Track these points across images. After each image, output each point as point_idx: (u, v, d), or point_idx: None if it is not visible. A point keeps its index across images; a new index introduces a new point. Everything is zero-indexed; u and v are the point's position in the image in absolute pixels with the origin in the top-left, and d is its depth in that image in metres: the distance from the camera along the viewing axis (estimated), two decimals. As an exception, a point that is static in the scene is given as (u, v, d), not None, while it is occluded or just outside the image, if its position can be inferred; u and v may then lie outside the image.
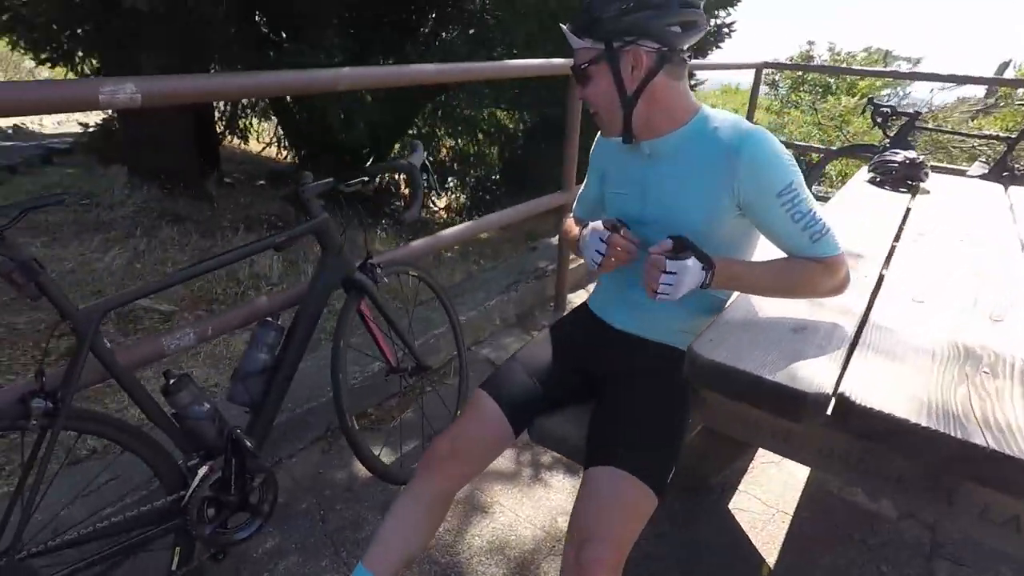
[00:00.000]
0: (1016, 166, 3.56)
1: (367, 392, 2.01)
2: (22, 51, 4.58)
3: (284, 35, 4.92)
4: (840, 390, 0.90)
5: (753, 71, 4.48)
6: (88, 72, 4.76)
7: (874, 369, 0.98)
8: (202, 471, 1.27)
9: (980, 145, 5.25)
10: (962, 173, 3.80)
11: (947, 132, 5.22)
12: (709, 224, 1.15)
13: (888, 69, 8.46)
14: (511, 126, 6.37)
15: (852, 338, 1.08)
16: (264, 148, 7.00)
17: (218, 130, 6.32)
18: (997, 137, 3.86)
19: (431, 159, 6.09)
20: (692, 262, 1.07)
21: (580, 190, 1.45)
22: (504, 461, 1.88)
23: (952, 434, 0.81)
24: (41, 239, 3.51)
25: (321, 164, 5.45)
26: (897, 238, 1.71)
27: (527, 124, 6.20)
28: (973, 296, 1.30)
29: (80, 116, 6.30)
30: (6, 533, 1.07)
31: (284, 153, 6.86)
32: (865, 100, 4.01)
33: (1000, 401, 0.89)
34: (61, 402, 1.08)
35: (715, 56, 6.05)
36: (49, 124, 8.22)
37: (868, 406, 0.87)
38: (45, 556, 1.13)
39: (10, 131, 7.61)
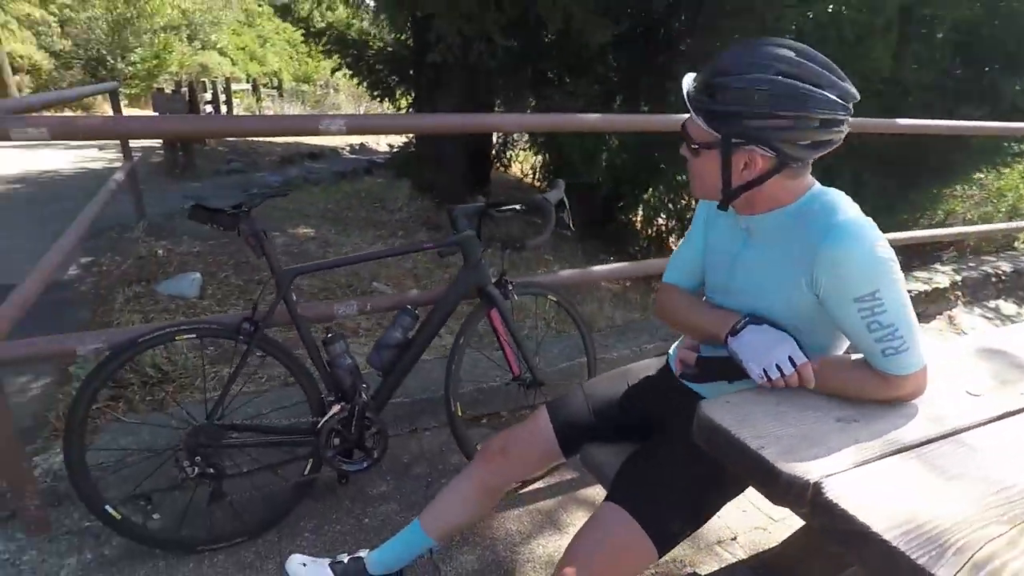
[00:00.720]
0: None
1: (491, 395, 2.25)
2: (364, 88, 6.10)
3: (556, 77, 5.57)
4: (819, 480, 0.84)
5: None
6: (403, 106, 6.11)
7: (896, 477, 0.86)
8: (335, 408, 1.68)
9: None
10: None
11: None
12: (789, 310, 1.10)
13: None
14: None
15: (904, 445, 0.94)
16: (525, 177, 7.91)
17: (494, 158, 7.40)
18: None
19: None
20: (760, 332, 1.07)
21: (678, 249, 1.36)
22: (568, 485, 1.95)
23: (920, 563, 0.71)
24: (335, 228, 4.65)
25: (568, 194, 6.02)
26: None
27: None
28: None
29: (393, 139, 8.00)
30: (215, 408, 1.61)
31: (542, 183, 7.69)
32: None
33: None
34: (258, 329, 1.59)
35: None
36: (384, 143, 10.42)
37: (836, 501, 0.79)
38: (231, 429, 1.65)
39: (357, 147, 10.03)
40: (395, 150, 7.06)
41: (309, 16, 5.12)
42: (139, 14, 11.72)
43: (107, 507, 1.54)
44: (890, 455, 0.91)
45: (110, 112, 4.46)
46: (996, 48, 3.94)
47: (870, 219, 1.02)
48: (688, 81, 1.07)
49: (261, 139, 8.45)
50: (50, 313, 2.91)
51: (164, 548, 1.62)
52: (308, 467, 1.73)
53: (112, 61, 11.86)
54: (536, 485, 1.96)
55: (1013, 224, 3.76)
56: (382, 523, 1.77)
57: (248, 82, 13.29)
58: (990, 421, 1.02)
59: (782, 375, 1.04)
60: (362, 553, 1.49)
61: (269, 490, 1.73)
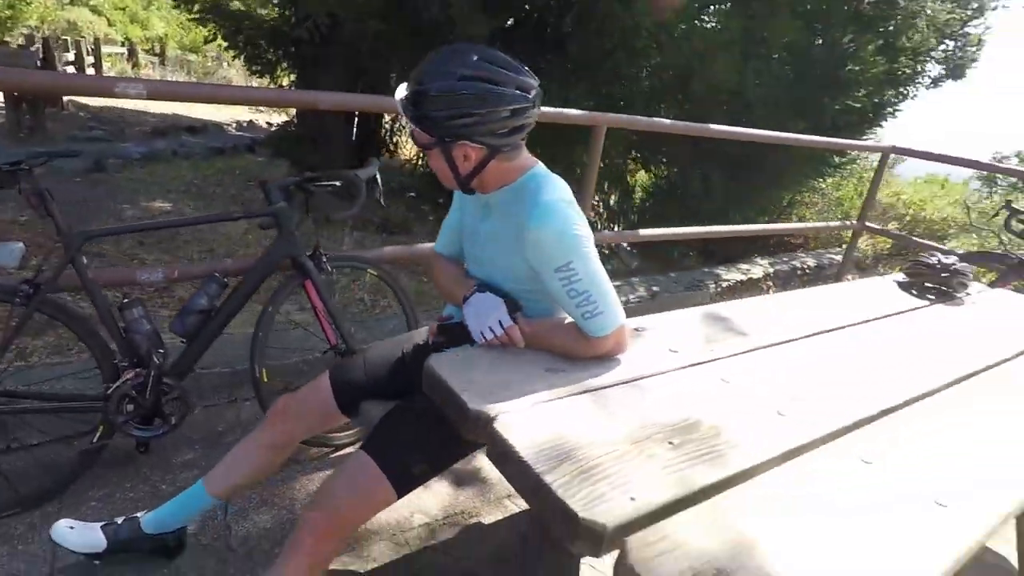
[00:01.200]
0: None
1: (312, 365, 2.27)
2: (242, 62, 5.82)
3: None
4: (495, 415, 0.98)
5: (880, 155, 4.10)
6: (284, 84, 5.91)
7: (565, 413, 1.02)
8: (128, 374, 1.66)
9: None
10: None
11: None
12: (515, 279, 1.25)
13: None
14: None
15: (588, 388, 1.11)
16: (411, 160, 7.88)
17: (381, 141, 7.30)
18: None
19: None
20: (482, 298, 1.21)
21: (444, 221, 1.49)
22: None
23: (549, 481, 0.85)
24: (197, 203, 4.46)
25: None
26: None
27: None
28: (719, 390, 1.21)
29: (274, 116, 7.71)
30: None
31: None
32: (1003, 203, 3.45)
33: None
34: (38, 291, 1.54)
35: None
36: (277, 120, 9.96)
37: (499, 430, 0.93)
38: (4, 396, 1.59)
39: (245, 124, 9.56)
40: (274, 128, 6.81)
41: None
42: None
43: None
44: (571, 396, 1.07)
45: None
46: (818, 69, 4.46)
47: (571, 201, 1.19)
48: (399, 93, 1.16)
49: (133, 107, 7.85)
50: None
51: (-77, 521, 1.54)
52: (98, 434, 1.69)
53: (-46, 8, 10.45)
54: (348, 451, 2.04)
55: (795, 225, 4.23)
56: (180, 489, 1.77)
57: (124, 46, 12.20)
58: (671, 370, 1.22)
59: (496, 336, 1.19)
60: (139, 514, 1.50)
61: (51, 459, 1.68)
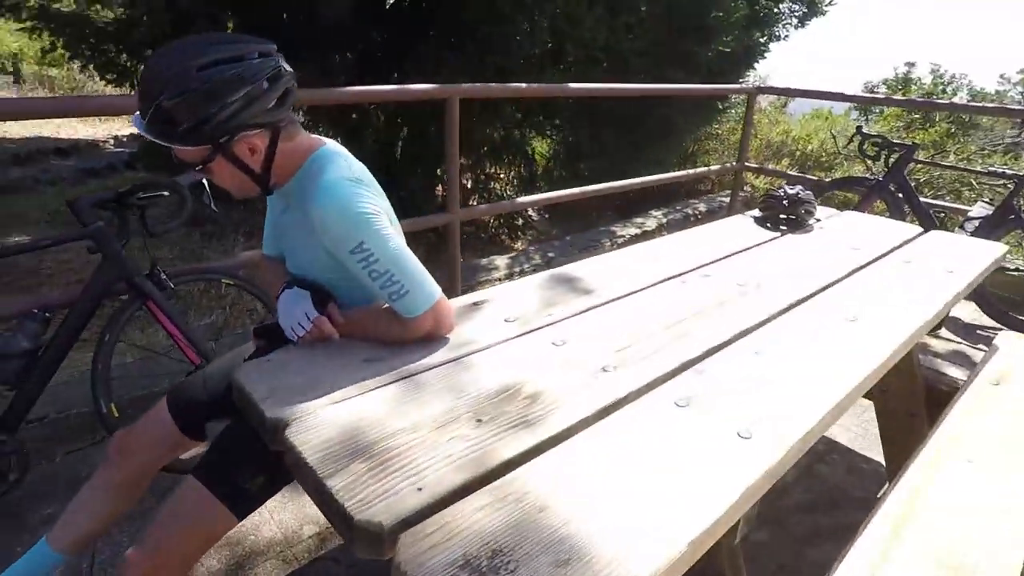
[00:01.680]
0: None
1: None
2: (93, 73, 5.34)
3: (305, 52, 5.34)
4: (289, 421, 0.93)
5: (746, 96, 4.24)
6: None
7: (371, 404, 0.98)
8: (-55, 436, 1.51)
9: (989, 183, 4.55)
10: (963, 214, 3.37)
11: (945, 167, 4.54)
12: (321, 268, 1.19)
13: (906, 98, 7.52)
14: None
15: (407, 373, 1.08)
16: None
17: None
18: (1003, 174, 3.36)
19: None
20: (288, 294, 1.15)
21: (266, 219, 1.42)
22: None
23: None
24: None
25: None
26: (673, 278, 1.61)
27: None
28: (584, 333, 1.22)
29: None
30: None
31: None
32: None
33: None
34: None
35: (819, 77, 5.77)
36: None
37: (289, 437, 0.89)
38: None
39: (125, 139, 8.86)
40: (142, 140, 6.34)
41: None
42: None
43: None
44: (382, 386, 1.03)
45: None
46: (690, 19, 4.55)
47: (353, 176, 1.13)
48: (138, 123, 1.04)
49: (-14, 135, 7.09)
50: None
51: None
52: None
53: None
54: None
55: (678, 173, 4.37)
56: (35, 548, 1.63)
57: (-34, 67, 10.97)
58: (501, 342, 1.21)
59: (306, 331, 1.13)
60: (-22, 587, 1.37)
61: None
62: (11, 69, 12.16)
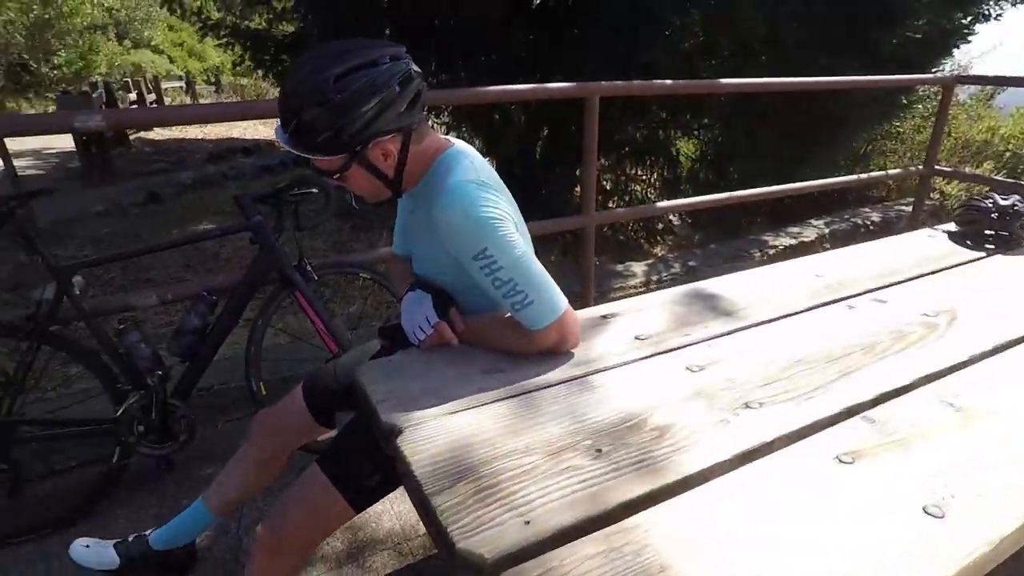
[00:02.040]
0: None
1: None
2: (274, 81, 6.00)
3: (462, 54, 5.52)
4: (402, 428, 0.91)
5: (940, 88, 3.63)
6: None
7: (479, 422, 0.93)
8: (132, 398, 1.73)
9: None
10: None
11: None
12: (443, 272, 1.17)
13: None
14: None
15: (524, 389, 1.01)
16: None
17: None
18: None
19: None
20: (410, 296, 1.14)
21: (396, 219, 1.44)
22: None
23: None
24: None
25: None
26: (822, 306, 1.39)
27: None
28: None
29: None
30: (3, 407, 1.65)
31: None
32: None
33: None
34: (38, 326, 1.62)
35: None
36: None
37: (400, 445, 0.86)
38: (23, 424, 1.69)
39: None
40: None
41: (202, 8, 5.03)
42: (58, 15, 11.37)
43: (-103, 509, 1.58)
44: (498, 400, 0.98)
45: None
46: (870, 3, 4.01)
47: (479, 179, 1.08)
48: (280, 135, 1.06)
49: (191, 136, 8.33)
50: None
51: (-31, 544, 1.67)
52: (116, 455, 1.77)
53: (35, 66, 11.54)
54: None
55: (847, 178, 3.78)
56: (197, 504, 1.83)
57: (181, 79, 13.04)
58: (630, 362, 1.10)
59: (426, 335, 1.12)
60: (148, 532, 1.55)
61: (80, 480, 1.78)
62: (213, 80, 14.33)
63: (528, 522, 0.73)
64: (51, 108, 11.28)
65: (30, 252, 1.62)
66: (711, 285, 1.46)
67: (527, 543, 0.70)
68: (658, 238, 4.77)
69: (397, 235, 1.40)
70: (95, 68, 12.39)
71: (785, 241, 3.47)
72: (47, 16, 11.38)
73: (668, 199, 5.34)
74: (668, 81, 2.43)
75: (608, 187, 5.26)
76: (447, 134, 1.43)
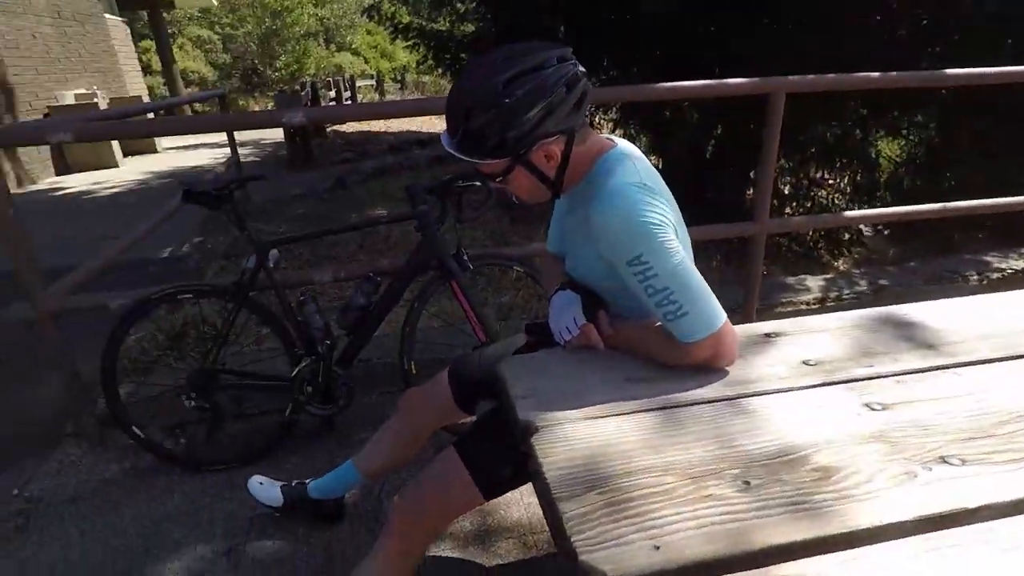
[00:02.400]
0: None
1: None
2: (451, 79, 6.37)
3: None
4: (538, 426, 0.89)
5: None
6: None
7: (619, 432, 0.88)
8: (305, 362, 1.94)
9: None
10: None
11: None
12: (595, 274, 1.14)
13: None
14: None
15: (667, 404, 0.94)
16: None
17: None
18: None
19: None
20: (560, 296, 1.14)
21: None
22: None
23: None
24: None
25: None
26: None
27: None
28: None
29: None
30: (210, 356, 1.95)
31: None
32: None
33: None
34: (240, 291, 1.89)
35: None
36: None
37: (534, 443, 0.85)
38: (223, 373, 1.98)
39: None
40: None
41: (395, 13, 5.49)
42: (283, 25, 13.31)
43: (134, 428, 1.95)
44: (642, 411, 0.93)
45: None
46: None
47: (641, 182, 1.02)
48: (447, 142, 1.08)
49: (376, 130, 9.19)
50: (161, 280, 3.57)
51: (179, 464, 2.01)
52: (289, 410, 2.01)
53: (262, 69, 13.65)
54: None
55: None
56: (349, 464, 2.01)
57: (373, 78, 14.50)
58: (795, 389, 0.98)
59: (572, 336, 1.09)
60: (308, 481, 1.74)
61: (263, 427, 2.05)
62: (399, 78, 15.81)
63: (658, 547, 0.67)
64: (270, 105, 13.33)
65: (240, 228, 1.89)
66: (909, 311, 1.25)
67: (654, 569, 0.65)
68: (843, 250, 4.22)
69: (551, 232, 1.39)
70: (306, 70, 14.29)
71: (1017, 264, 2.87)
72: (275, 27, 13.36)
73: (859, 208, 4.74)
74: (873, 74, 2.11)
75: (786, 191, 4.78)
76: (613, 131, 1.38)
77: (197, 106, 10.77)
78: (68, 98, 7.67)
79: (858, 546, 0.71)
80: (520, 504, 1.83)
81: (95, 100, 7.51)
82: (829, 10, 3.49)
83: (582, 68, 1.05)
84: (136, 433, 1.95)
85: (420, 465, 1.92)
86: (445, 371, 1.52)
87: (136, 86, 10.05)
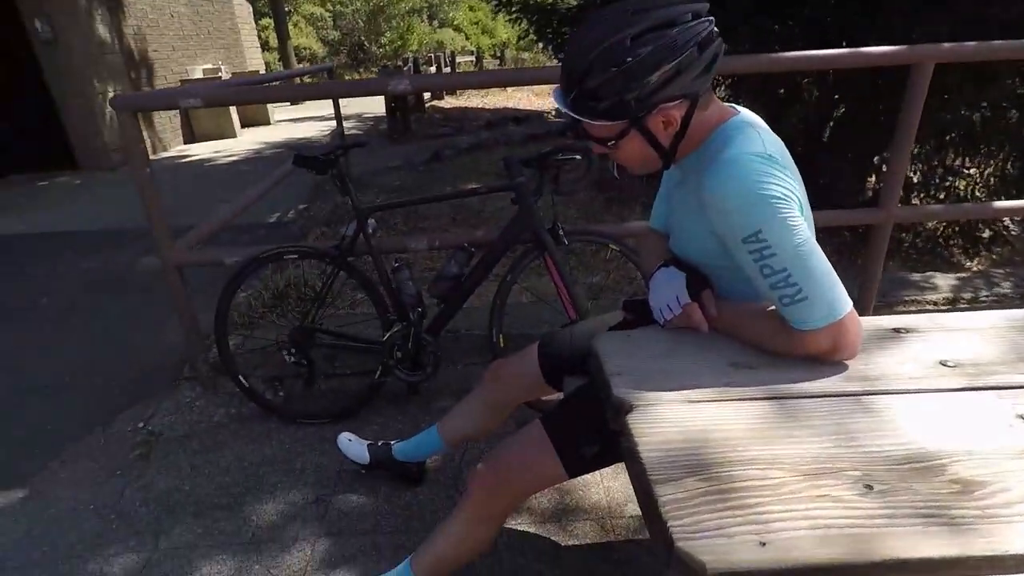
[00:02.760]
0: None
1: None
2: (552, 55, 6.29)
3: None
4: (635, 404, 0.84)
5: None
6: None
7: (728, 416, 0.82)
8: (396, 327, 1.99)
9: None
10: None
11: None
12: (704, 252, 1.05)
13: None
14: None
15: (775, 393, 0.87)
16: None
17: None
18: None
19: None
20: (663, 273, 1.08)
21: (659, 191, 1.33)
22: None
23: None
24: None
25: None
26: None
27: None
28: None
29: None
30: (309, 315, 2.05)
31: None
32: None
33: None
34: (341, 255, 1.96)
35: None
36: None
37: (630, 422, 0.81)
38: (320, 332, 2.08)
39: (549, 115, 10.34)
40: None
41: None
42: (389, 2, 13.72)
43: (240, 377, 2.09)
44: (748, 400, 0.86)
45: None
46: None
47: (765, 152, 0.92)
48: (558, 98, 1.00)
49: (473, 106, 9.27)
50: (267, 242, 3.81)
51: (277, 415, 2.14)
52: (378, 372, 2.08)
53: (368, 45, 14.15)
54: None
55: None
56: (432, 429, 2.05)
57: (473, 54, 14.64)
58: (930, 391, 0.87)
59: (674, 315, 1.03)
60: (393, 442, 1.80)
61: (353, 386, 2.14)
62: (499, 54, 15.88)
63: (764, 544, 0.62)
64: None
65: (344, 193, 1.95)
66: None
67: (760, 567, 0.59)
68: (981, 247, 3.74)
69: (657, 207, 1.32)
70: (409, 46, 14.67)
71: None
72: (382, 4, 13.79)
73: (1006, 200, 4.19)
74: (1035, 42, 1.83)
75: (915, 179, 4.30)
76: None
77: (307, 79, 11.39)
78: (197, 72, 8.34)
79: (1003, 572, 0.62)
80: (600, 487, 1.79)
81: (220, 75, 8.11)
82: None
83: (716, 27, 0.96)
84: (242, 382, 2.09)
85: (501, 439, 1.95)
86: (535, 345, 1.50)
87: (255, 62, 10.74)
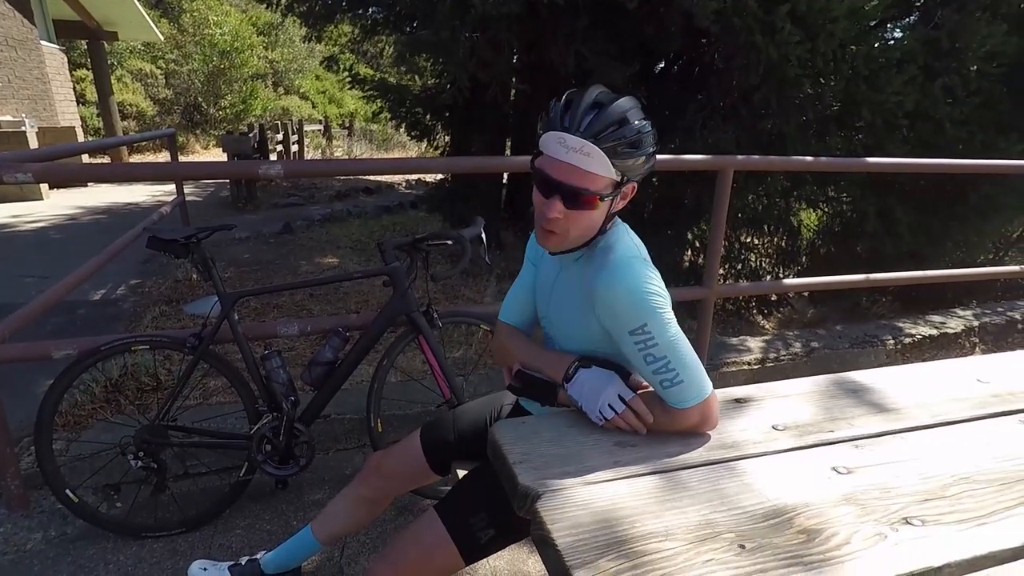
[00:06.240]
0: None
1: (423, 417, 2.34)
2: (403, 130, 6.50)
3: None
4: (541, 492, 0.91)
5: None
6: (440, 145, 6.44)
7: (624, 494, 0.92)
8: (266, 418, 1.87)
9: None
10: None
11: None
12: (591, 342, 1.16)
13: None
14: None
15: (658, 468, 0.99)
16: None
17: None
18: None
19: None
20: (590, 373, 1.12)
21: (511, 288, 1.39)
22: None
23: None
24: (358, 257, 4.96)
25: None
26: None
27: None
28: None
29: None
30: (161, 411, 1.85)
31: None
32: None
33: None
34: (202, 343, 1.82)
35: None
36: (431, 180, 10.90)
37: (540, 510, 0.87)
38: (174, 430, 1.87)
39: (414, 182, 10.55)
40: (431, 186, 7.43)
41: (352, 65, 5.60)
42: (231, 65, 13.18)
43: (67, 491, 1.80)
44: (637, 476, 0.97)
45: (173, 157, 5.05)
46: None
47: (642, 256, 1.10)
48: (572, 141, 1.03)
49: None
50: (94, 325, 3.35)
51: (114, 531, 1.86)
52: (244, 469, 1.92)
53: (206, 107, 13.37)
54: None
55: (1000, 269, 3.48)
56: (305, 527, 1.92)
57: (320, 123, 14.52)
58: (769, 454, 1.06)
59: (617, 414, 1.07)
60: (259, 555, 1.65)
61: (210, 488, 1.94)
62: (347, 124, 15.88)
63: (674, 615, 0.71)
64: (213, 144, 13.02)
65: (206, 278, 1.84)
66: (857, 378, 1.37)
67: (674, 638, 0.68)
68: (772, 311, 4.54)
69: (514, 301, 1.37)
70: (251, 111, 14.11)
71: (925, 331, 3.18)
72: (223, 66, 13.19)
73: (785, 270, 5.13)
74: (807, 158, 2.38)
75: (722, 253, 5.13)
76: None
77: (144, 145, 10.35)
78: (-8, 124, 7.22)
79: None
80: (486, 567, 1.80)
81: (23, 128, 7.09)
82: (750, 95, 3.87)
83: None
84: (68, 497, 1.80)
85: (379, 527, 1.89)
86: (415, 433, 1.50)
87: (69, 116, 9.58)
